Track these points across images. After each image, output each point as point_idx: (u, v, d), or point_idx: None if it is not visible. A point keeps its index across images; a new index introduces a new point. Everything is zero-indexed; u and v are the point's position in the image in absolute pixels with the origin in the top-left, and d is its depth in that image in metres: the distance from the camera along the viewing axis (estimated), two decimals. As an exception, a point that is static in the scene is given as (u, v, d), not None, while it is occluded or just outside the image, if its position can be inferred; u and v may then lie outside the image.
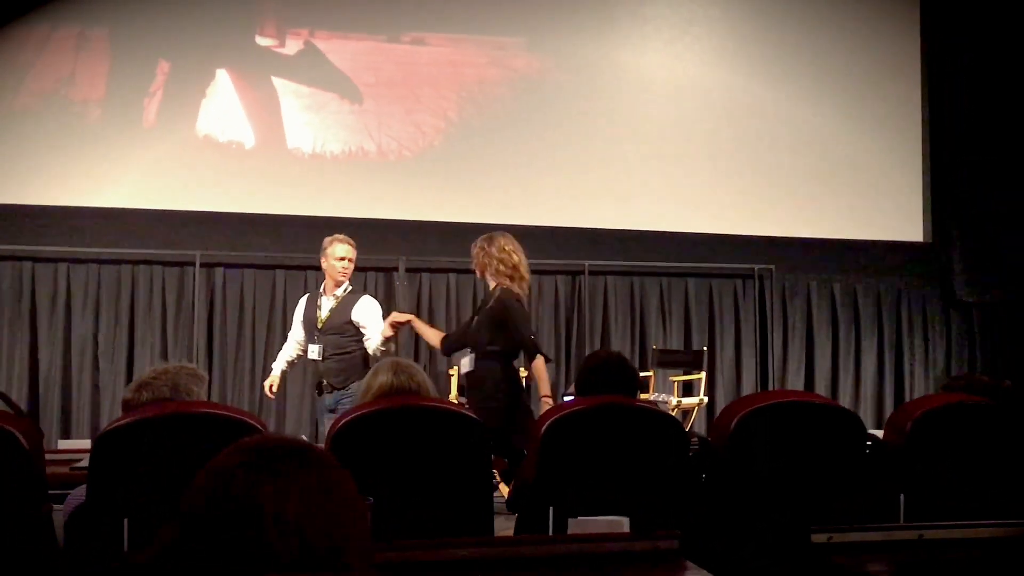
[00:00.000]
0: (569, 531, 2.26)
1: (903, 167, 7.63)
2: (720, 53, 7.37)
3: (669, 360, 6.92)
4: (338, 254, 4.70)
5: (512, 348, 4.20)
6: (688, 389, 6.89)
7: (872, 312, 7.47)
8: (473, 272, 4.47)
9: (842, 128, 7.48)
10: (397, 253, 6.69)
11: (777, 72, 7.42)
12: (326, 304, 4.72)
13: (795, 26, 7.49)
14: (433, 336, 4.64)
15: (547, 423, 2.66)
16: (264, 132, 6.77)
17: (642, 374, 6.48)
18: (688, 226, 7.18)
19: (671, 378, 6.89)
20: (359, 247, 6.66)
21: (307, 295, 4.96)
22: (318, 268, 6.58)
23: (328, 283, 4.76)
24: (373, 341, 4.60)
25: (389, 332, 4.55)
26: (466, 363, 4.32)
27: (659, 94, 7.25)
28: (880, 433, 3.10)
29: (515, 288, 4.22)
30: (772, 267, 7.29)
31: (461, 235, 6.85)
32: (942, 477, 2.72)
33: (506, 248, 4.28)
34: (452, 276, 6.88)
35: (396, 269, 6.71)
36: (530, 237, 6.88)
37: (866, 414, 6.97)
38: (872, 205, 7.53)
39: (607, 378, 2.95)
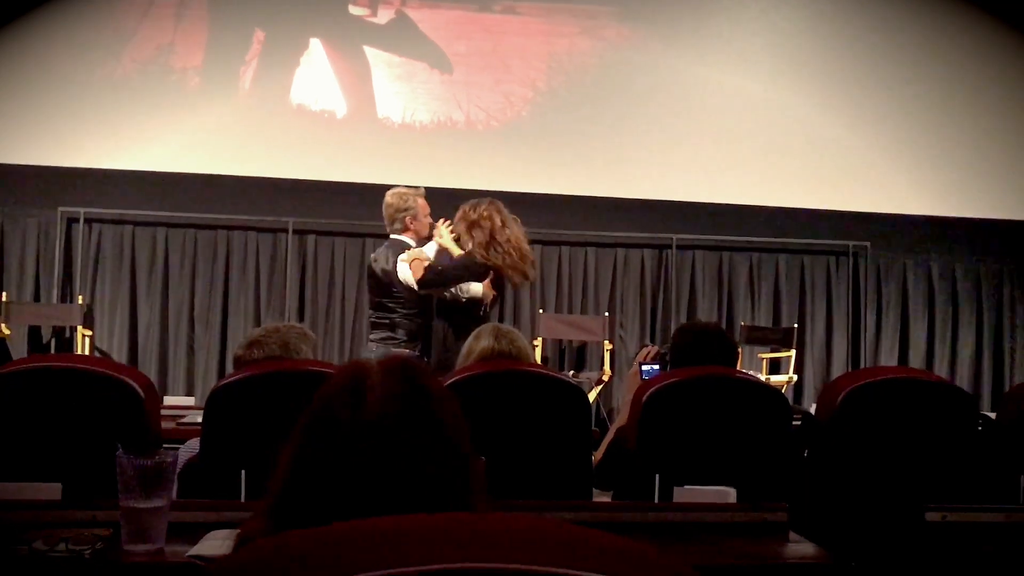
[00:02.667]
0: (675, 500, 2.24)
1: (1006, 142, 7.31)
2: (817, 22, 7.15)
3: (758, 337, 6.80)
4: (427, 209, 4.53)
5: None
6: (776, 367, 6.77)
7: (971, 293, 7.21)
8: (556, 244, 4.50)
9: (944, 101, 7.19)
10: (485, 223, 6.70)
11: (880, 45, 7.16)
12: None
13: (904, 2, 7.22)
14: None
15: (649, 392, 2.63)
16: (355, 101, 6.84)
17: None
18: (780, 200, 7.02)
19: (759, 355, 6.78)
20: (448, 215, 6.73)
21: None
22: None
23: (413, 241, 4.45)
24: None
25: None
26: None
27: (753, 65, 7.07)
28: (991, 415, 3.00)
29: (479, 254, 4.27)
30: (867, 244, 7.09)
31: (549, 206, 6.85)
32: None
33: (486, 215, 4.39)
34: (536, 247, 6.84)
35: (483, 239, 6.72)
36: (618, 209, 6.87)
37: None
38: (973, 181, 7.24)
39: (707, 349, 2.90)
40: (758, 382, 2.72)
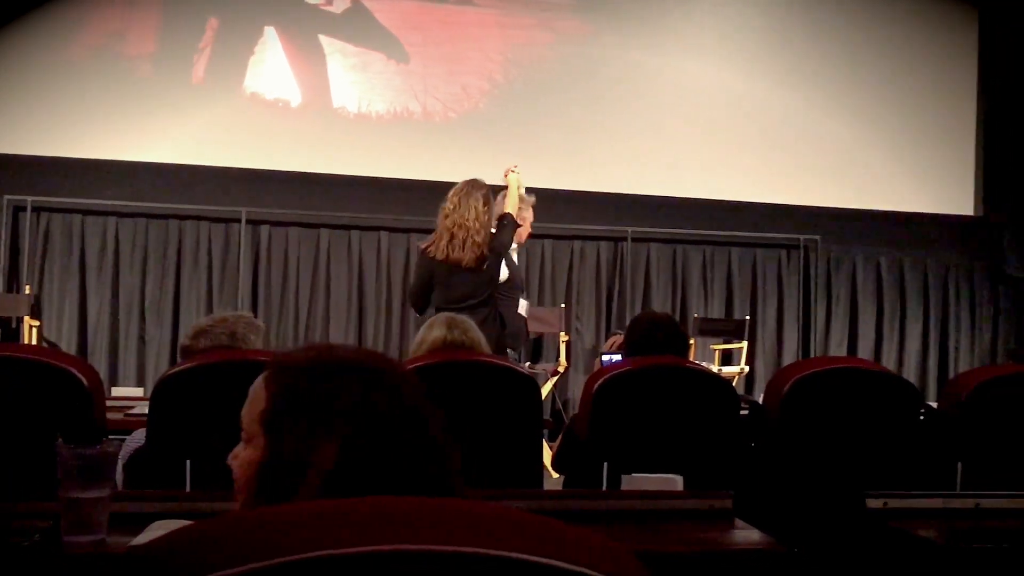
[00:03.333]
0: (622, 488, 2.26)
1: (955, 140, 7.48)
2: (770, 15, 7.23)
3: (710, 329, 6.88)
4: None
5: None
6: (728, 358, 6.86)
7: (918, 286, 7.37)
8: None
9: (894, 99, 7.33)
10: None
11: (831, 42, 7.28)
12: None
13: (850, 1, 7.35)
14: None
15: (599, 382, 2.66)
16: (310, 91, 6.78)
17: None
18: (733, 195, 7.10)
19: (712, 347, 6.86)
20: (402, 208, 6.73)
21: None
22: (363, 228, 6.69)
23: None
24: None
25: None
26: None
27: (708, 60, 7.15)
28: (932, 404, 3.07)
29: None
30: (817, 238, 7.20)
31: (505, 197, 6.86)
32: (1000, 446, 2.69)
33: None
34: (495, 239, 6.86)
35: (439, 230, 6.70)
36: (573, 202, 6.90)
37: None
38: (922, 178, 7.40)
39: (658, 339, 2.94)
40: (707, 372, 2.76)
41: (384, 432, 0.99)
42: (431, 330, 2.84)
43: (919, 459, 2.73)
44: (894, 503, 2.30)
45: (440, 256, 4.16)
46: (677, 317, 7.05)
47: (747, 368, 6.77)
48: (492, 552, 0.78)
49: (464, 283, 4.17)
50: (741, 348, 6.77)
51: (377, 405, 0.99)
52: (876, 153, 7.31)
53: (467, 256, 4.13)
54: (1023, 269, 7.43)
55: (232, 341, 2.46)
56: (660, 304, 7.08)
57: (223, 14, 6.67)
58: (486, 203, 4.31)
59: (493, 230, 4.23)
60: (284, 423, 1.03)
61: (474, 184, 4.36)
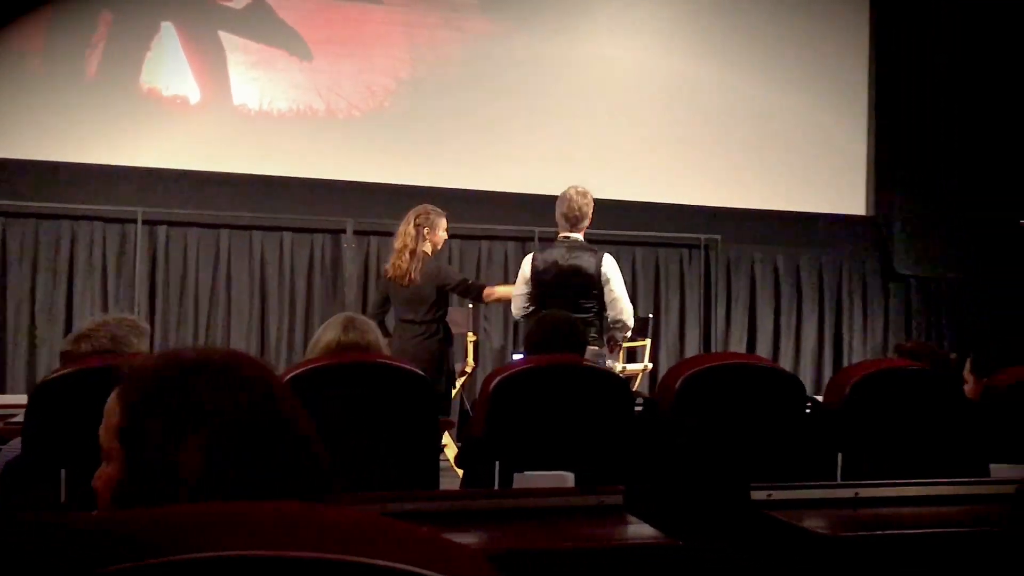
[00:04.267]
0: (515, 486, 2.28)
1: (849, 143, 7.77)
2: (675, 26, 7.39)
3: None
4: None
5: None
6: (632, 356, 6.96)
7: (814, 283, 7.62)
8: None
9: (790, 103, 7.57)
10: (345, 215, 6.62)
11: (729, 48, 7.46)
12: None
13: (749, 4, 7.53)
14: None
15: (496, 381, 2.67)
16: (210, 87, 6.62)
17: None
18: (636, 195, 7.22)
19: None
20: (305, 208, 6.63)
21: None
22: (265, 228, 6.57)
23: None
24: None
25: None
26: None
27: (612, 63, 7.25)
28: (820, 398, 3.18)
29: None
30: (718, 237, 7.37)
31: (411, 198, 6.79)
32: (878, 438, 2.80)
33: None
34: (401, 239, 6.82)
35: (344, 231, 6.63)
36: (480, 202, 6.91)
37: (806, 383, 7.10)
38: (817, 179, 7.66)
39: (556, 338, 2.97)
40: (602, 370, 2.79)
41: (246, 434, 0.97)
42: (326, 331, 2.80)
43: (804, 451, 2.82)
44: (778, 494, 2.38)
45: (387, 275, 4.67)
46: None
47: (651, 365, 6.88)
48: (340, 558, 0.79)
49: (403, 299, 4.62)
50: (645, 345, 6.88)
51: (233, 406, 0.97)
52: (774, 155, 7.53)
53: (399, 275, 4.56)
54: (911, 267, 7.76)
55: (114, 345, 2.39)
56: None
57: (117, 8, 6.46)
58: (417, 226, 4.61)
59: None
60: (141, 434, 1.00)
61: (416, 209, 4.72)
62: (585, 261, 4.30)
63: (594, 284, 4.26)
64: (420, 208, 4.72)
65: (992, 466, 2.50)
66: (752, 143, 7.48)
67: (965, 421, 2.86)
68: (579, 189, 4.44)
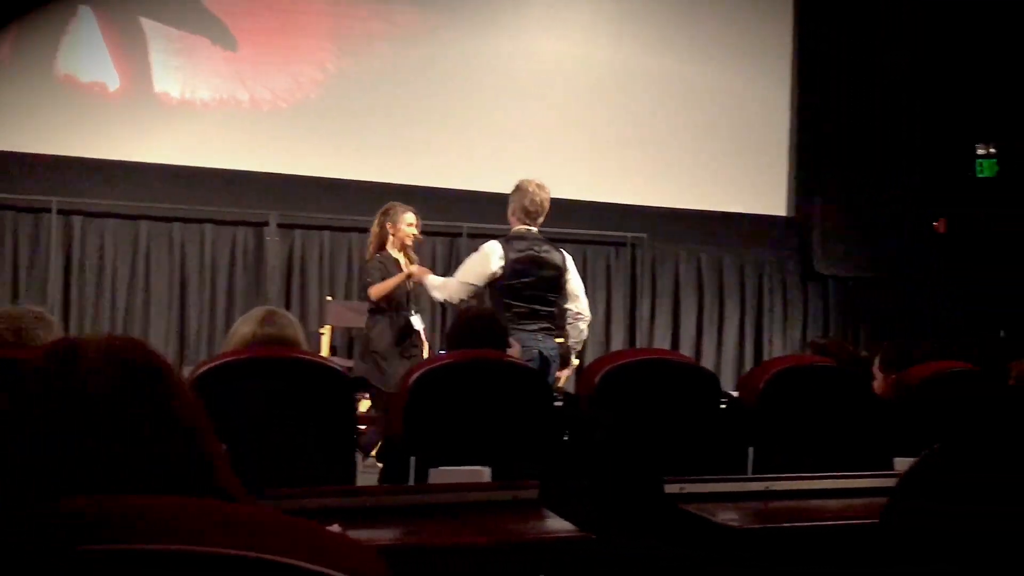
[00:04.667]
0: (430, 481, 2.27)
1: (771, 146, 7.95)
2: (602, 24, 7.45)
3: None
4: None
5: None
6: (559, 352, 7.00)
7: (736, 281, 7.78)
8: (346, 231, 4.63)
9: (715, 106, 7.70)
10: (268, 208, 6.51)
11: (655, 46, 7.56)
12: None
13: (675, 7, 7.63)
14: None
15: (415, 376, 2.65)
16: (130, 74, 6.44)
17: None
18: (564, 193, 7.20)
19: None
20: (228, 200, 6.50)
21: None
22: (185, 220, 6.42)
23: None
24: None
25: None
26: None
27: (541, 60, 7.27)
28: (734, 393, 3.24)
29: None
30: (644, 236, 7.46)
31: (337, 191, 6.75)
32: (789, 433, 2.87)
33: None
34: (327, 233, 6.75)
35: (267, 224, 6.52)
36: (408, 197, 6.82)
37: (727, 379, 7.25)
38: (741, 180, 7.81)
39: (477, 333, 2.96)
40: (521, 364, 2.80)
41: (123, 419, 0.94)
42: (243, 325, 2.75)
43: (719, 446, 2.87)
44: (691, 488, 2.42)
45: None
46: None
47: (577, 361, 6.92)
48: (233, 552, 0.79)
49: None
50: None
51: (112, 391, 0.95)
52: (699, 157, 7.65)
53: None
54: (829, 267, 7.98)
55: (17, 338, 2.30)
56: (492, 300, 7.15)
57: (31, -10, 6.24)
58: (379, 224, 4.91)
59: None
60: (27, 420, 0.97)
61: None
62: (553, 255, 4.37)
63: (562, 277, 4.33)
64: (388, 203, 4.99)
65: (896, 459, 2.57)
66: (678, 145, 7.59)
67: (872, 416, 2.95)
68: (538, 182, 4.47)
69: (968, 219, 7.86)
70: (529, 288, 4.23)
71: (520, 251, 4.28)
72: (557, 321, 4.45)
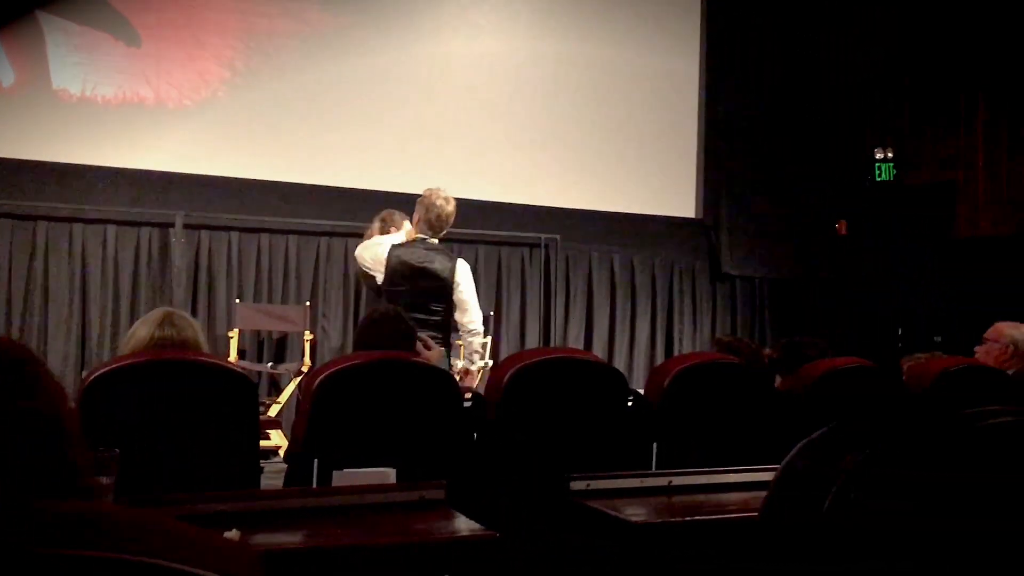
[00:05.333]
0: (334, 484, 2.24)
1: (681, 150, 8.11)
2: (515, 25, 7.48)
3: (457, 324, 6.98)
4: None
5: None
6: (474, 353, 7.00)
7: (647, 282, 7.91)
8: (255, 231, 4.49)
9: (626, 110, 7.82)
10: (174, 208, 6.34)
11: (567, 50, 7.63)
12: None
13: (586, 14, 7.72)
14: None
15: (319, 378, 2.62)
16: (26, 70, 6.20)
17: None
18: (478, 194, 7.26)
19: (456, 342, 6.96)
20: (131, 200, 6.31)
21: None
22: (86, 221, 6.20)
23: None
24: None
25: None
26: None
27: (454, 61, 7.27)
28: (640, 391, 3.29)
29: None
30: (557, 237, 7.52)
31: (244, 191, 6.62)
32: (692, 429, 2.93)
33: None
34: (235, 234, 6.61)
35: (172, 225, 6.35)
36: (316, 197, 6.77)
37: (640, 377, 7.36)
38: (651, 183, 7.95)
39: (383, 333, 2.95)
40: (427, 365, 2.79)
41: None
42: (140, 327, 2.68)
43: (625, 443, 2.91)
44: (596, 484, 2.45)
45: None
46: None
47: (491, 362, 6.94)
48: (111, 555, 0.77)
49: None
50: (486, 343, 6.93)
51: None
52: (611, 160, 7.76)
53: None
54: (735, 267, 8.19)
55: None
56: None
57: (-83, -21, 5.96)
58: (381, 231, 4.63)
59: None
60: None
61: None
62: (439, 264, 4.36)
63: (446, 288, 4.32)
64: (385, 211, 4.82)
65: (793, 453, 2.65)
66: (591, 148, 7.68)
67: (771, 411, 3.03)
68: (445, 195, 4.47)
69: (867, 221, 8.16)
70: (407, 295, 4.25)
71: (401, 259, 4.32)
72: (447, 331, 4.44)
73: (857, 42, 8.34)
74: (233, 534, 1.89)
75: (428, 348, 4.58)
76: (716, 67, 8.20)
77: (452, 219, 4.46)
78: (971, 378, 3.36)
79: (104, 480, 1.83)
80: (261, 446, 4.91)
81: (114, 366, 2.33)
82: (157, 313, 2.76)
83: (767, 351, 4.03)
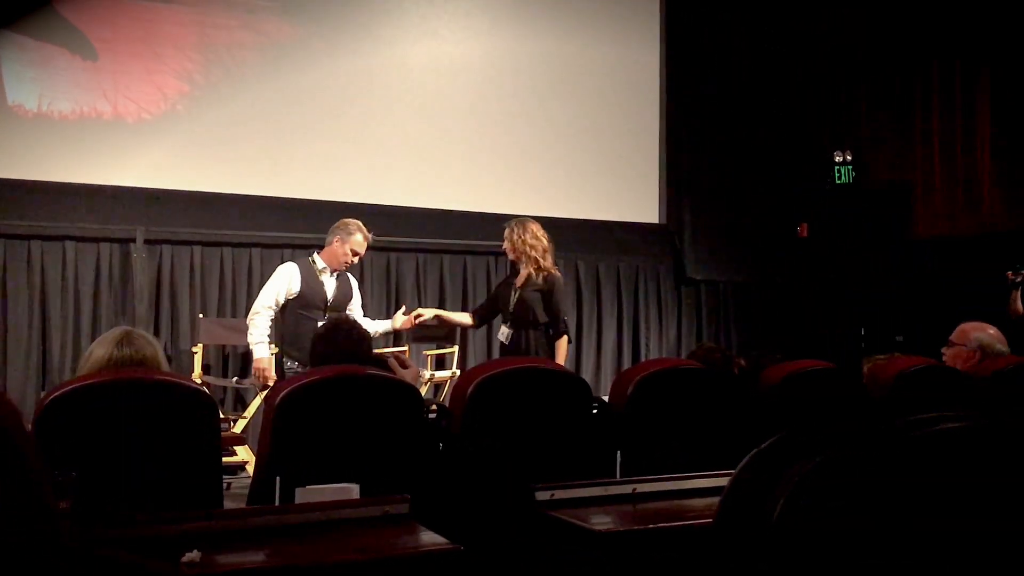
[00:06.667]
0: (297, 501, 2.23)
1: (644, 157, 8.17)
2: (478, 34, 7.50)
3: (423, 335, 6.97)
4: (359, 248, 4.90)
5: (552, 322, 4.88)
6: (441, 363, 6.99)
7: (613, 289, 7.94)
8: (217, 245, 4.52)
9: (588, 117, 7.87)
10: (135, 223, 6.27)
11: (529, 57, 7.66)
12: (329, 282, 4.91)
13: (546, 20, 7.76)
14: (460, 318, 5.43)
15: (280, 395, 2.60)
16: (-21, 86, 6.11)
17: (397, 349, 6.49)
18: (442, 203, 7.27)
19: (425, 352, 6.96)
20: (91, 216, 6.23)
21: (293, 268, 4.93)
22: (44, 238, 6.11)
23: (324, 263, 4.92)
24: (371, 325, 4.84)
25: (406, 325, 5.09)
26: (505, 333, 4.95)
27: (417, 71, 7.27)
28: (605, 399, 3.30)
29: (555, 270, 4.94)
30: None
31: (205, 205, 6.56)
32: (655, 435, 2.94)
33: (538, 234, 4.98)
34: (197, 248, 6.55)
35: (133, 240, 6.27)
36: (278, 209, 6.73)
37: (606, 383, 7.39)
38: (616, 190, 8.00)
39: (336, 346, 2.94)
40: (387, 377, 2.78)
41: None
42: (98, 347, 2.65)
43: (590, 451, 2.92)
44: (560, 493, 2.46)
45: None
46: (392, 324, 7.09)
47: (458, 372, 6.93)
48: None
49: None
50: (453, 352, 6.93)
51: None
52: (573, 166, 7.80)
53: None
54: (700, 272, 8.25)
55: None
56: (375, 311, 7.08)
57: None
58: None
59: None
60: None
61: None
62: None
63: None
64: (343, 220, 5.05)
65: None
66: (553, 155, 7.71)
67: (735, 415, 3.06)
68: (364, 231, 4.96)
69: (828, 223, 8.27)
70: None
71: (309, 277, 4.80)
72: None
73: (815, 46, 8.45)
74: (194, 555, 1.87)
75: (405, 367, 4.61)
76: (677, 73, 8.28)
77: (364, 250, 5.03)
78: (929, 379, 3.41)
79: (62, 504, 1.81)
80: (226, 462, 4.89)
81: (72, 386, 2.30)
82: (115, 332, 2.73)
83: (740, 361, 4.02)
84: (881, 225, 8.04)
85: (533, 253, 4.90)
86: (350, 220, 5.00)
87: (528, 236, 4.95)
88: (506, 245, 5.04)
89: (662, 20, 8.29)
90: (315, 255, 4.96)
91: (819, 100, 8.48)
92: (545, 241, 4.99)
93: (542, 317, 4.88)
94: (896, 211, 7.99)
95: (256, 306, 4.91)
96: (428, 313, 5.26)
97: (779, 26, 8.47)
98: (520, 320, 4.89)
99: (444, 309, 7.31)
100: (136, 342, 2.68)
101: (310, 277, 4.91)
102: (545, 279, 4.87)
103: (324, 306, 4.87)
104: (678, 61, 8.28)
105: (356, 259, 4.99)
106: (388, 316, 7.12)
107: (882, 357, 3.80)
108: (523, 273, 4.96)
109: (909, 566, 1.01)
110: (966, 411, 1.09)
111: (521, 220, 5.08)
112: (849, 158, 8.21)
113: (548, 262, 4.93)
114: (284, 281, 4.89)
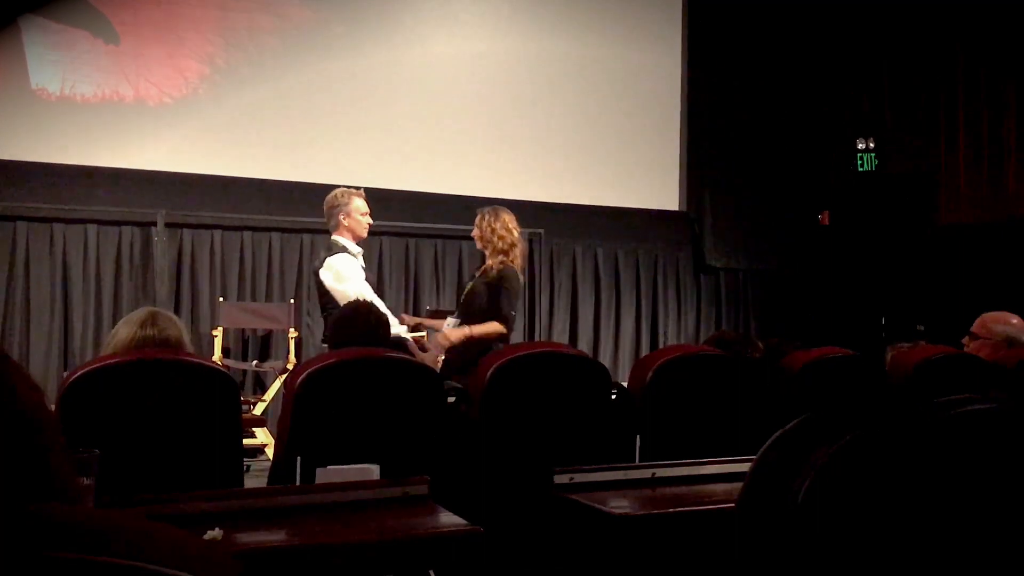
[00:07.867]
0: (317, 481, 2.24)
1: (664, 143, 8.12)
2: (498, 19, 7.47)
3: (442, 320, 6.98)
4: (365, 207, 4.59)
5: (496, 316, 4.36)
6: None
7: (632, 275, 7.92)
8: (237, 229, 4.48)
9: (610, 105, 7.83)
10: (155, 207, 6.30)
11: (550, 46, 7.63)
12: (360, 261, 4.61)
13: (568, 7, 7.72)
14: (491, 328, 4.37)
15: (302, 376, 2.61)
16: (4, 69, 6.15)
17: (415, 335, 6.51)
18: (463, 189, 7.26)
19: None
20: (112, 199, 6.27)
21: (347, 255, 4.53)
22: (67, 221, 6.16)
23: (350, 240, 4.57)
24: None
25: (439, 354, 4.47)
26: (451, 323, 4.50)
27: (438, 56, 7.25)
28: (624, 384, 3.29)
29: (515, 266, 4.49)
30: (541, 231, 7.52)
31: (227, 189, 6.59)
32: (674, 421, 2.94)
33: (509, 226, 4.53)
34: (217, 232, 6.58)
35: (154, 224, 6.31)
36: (300, 194, 6.74)
37: (625, 371, 7.38)
38: (635, 176, 7.96)
39: (355, 329, 2.95)
40: (406, 359, 2.79)
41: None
42: (123, 327, 2.67)
43: (609, 436, 2.92)
44: (580, 478, 2.46)
45: None
46: (410, 309, 7.10)
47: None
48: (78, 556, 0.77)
49: None
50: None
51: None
52: (594, 154, 7.77)
53: None
54: (719, 259, 8.21)
55: None
56: (393, 296, 7.10)
57: None
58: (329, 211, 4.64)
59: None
60: None
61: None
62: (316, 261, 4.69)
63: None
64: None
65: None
66: (574, 142, 7.69)
67: (756, 402, 3.05)
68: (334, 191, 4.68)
69: (850, 211, 8.20)
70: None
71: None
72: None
73: (838, 32, 8.37)
74: (216, 533, 1.89)
75: (424, 350, 4.59)
76: (698, 60, 8.23)
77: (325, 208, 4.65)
78: (952, 367, 3.39)
79: (85, 481, 1.83)
80: (246, 445, 4.92)
81: (95, 366, 2.32)
82: (140, 313, 2.74)
83: (760, 346, 4.00)
84: (904, 213, 7.96)
85: (500, 244, 4.46)
86: (332, 195, 4.61)
87: (498, 226, 4.51)
88: (475, 232, 4.61)
89: (684, 9, 8.23)
90: (342, 242, 4.55)
91: (842, 87, 8.40)
92: (515, 235, 4.56)
93: (486, 310, 4.38)
94: (919, 199, 7.91)
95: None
96: (411, 322, 4.89)
97: (802, 13, 8.39)
98: (464, 311, 4.48)
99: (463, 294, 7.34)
100: (161, 323, 2.70)
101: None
102: (499, 272, 4.41)
103: (372, 287, 4.63)
104: (700, 49, 8.23)
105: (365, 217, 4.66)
106: (407, 300, 7.16)
107: (906, 345, 3.78)
108: (485, 264, 4.55)
109: (935, 548, 1.00)
110: (993, 394, 1.08)
111: (495, 208, 4.66)
112: (872, 145, 8.13)
113: (512, 257, 4.49)
114: (357, 266, 4.58)
